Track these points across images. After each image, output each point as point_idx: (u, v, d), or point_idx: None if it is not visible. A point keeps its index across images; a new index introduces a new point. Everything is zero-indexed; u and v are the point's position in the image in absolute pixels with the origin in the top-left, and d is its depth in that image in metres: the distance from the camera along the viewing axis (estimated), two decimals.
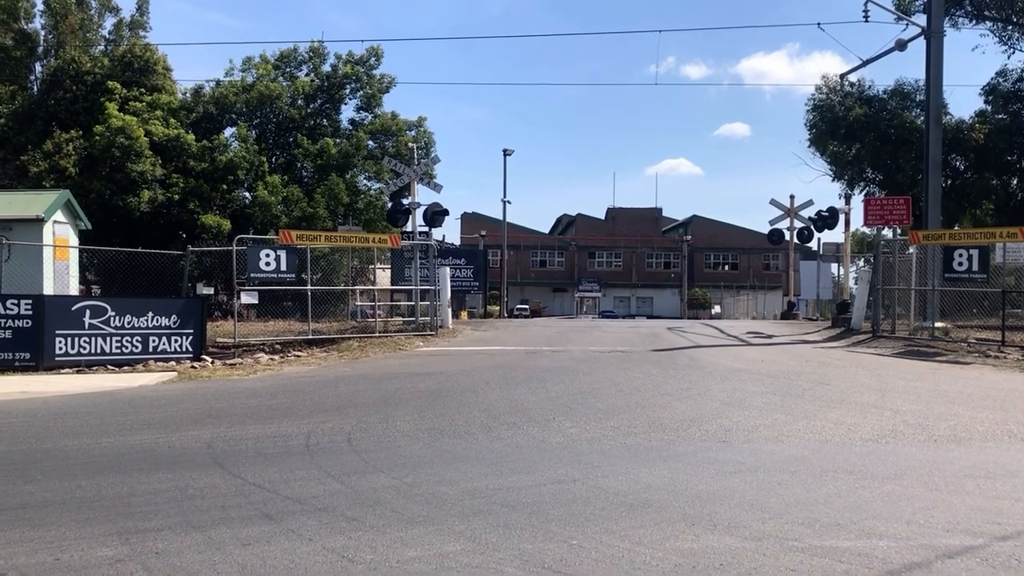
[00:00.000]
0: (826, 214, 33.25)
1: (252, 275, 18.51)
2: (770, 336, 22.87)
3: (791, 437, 8.42)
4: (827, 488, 6.26)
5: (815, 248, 36.76)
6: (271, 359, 17.05)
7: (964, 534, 5.05)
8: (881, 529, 5.14)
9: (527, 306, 71.13)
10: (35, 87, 41.85)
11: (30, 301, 15.21)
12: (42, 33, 42.70)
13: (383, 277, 27.98)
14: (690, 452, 7.69)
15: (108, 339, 15.78)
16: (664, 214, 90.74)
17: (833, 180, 40.04)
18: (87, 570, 4.49)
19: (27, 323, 14.93)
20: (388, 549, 4.79)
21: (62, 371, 14.80)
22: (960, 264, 18.62)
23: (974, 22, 36.44)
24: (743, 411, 9.94)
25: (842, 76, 36.87)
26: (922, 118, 30.07)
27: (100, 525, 5.34)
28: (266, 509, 5.71)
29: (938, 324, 20.09)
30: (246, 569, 4.48)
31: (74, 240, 23.39)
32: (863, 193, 37.89)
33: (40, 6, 42.09)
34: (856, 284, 26.23)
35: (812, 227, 34.41)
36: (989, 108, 36.87)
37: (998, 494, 6.09)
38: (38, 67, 42.73)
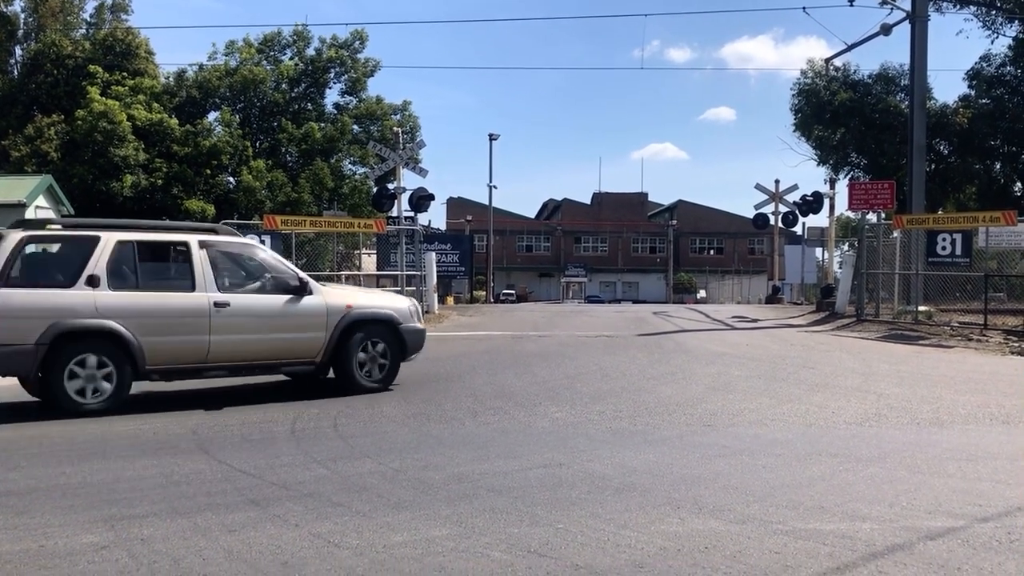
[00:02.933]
0: (811, 198, 33.35)
1: None
2: (755, 320, 22.97)
3: (775, 421, 8.46)
4: (811, 471, 6.31)
5: (800, 232, 36.90)
6: None
7: (946, 516, 5.10)
8: (864, 511, 5.18)
9: (513, 291, 71.06)
10: (15, 71, 41.44)
11: None
12: (22, 16, 42.23)
13: (369, 263, 27.92)
14: (675, 436, 7.72)
15: None
16: (650, 199, 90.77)
17: (818, 164, 40.23)
18: (72, 557, 4.47)
19: None
20: (374, 534, 4.79)
21: None
22: (943, 248, 18.73)
23: (958, 7, 36.53)
24: (728, 395, 9.99)
25: (827, 61, 36.93)
26: (907, 103, 30.17)
27: (85, 512, 5.33)
28: (252, 495, 5.70)
29: (921, 308, 20.22)
30: (232, 555, 4.48)
31: None
32: (848, 177, 38.08)
33: None
34: (840, 268, 26.32)
35: (797, 211, 34.52)
36: (973, 93, 37.04)
37: (979, 476, 6.14)
38: (18, 51, 42.29)
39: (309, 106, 42.92)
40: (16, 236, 8.94)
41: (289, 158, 41.65)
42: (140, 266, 9.39)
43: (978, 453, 6.92)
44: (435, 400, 9.75)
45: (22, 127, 35.52)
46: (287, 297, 10.04)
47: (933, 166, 35.59)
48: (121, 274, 9.22)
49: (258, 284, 10.18)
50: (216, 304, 9.54)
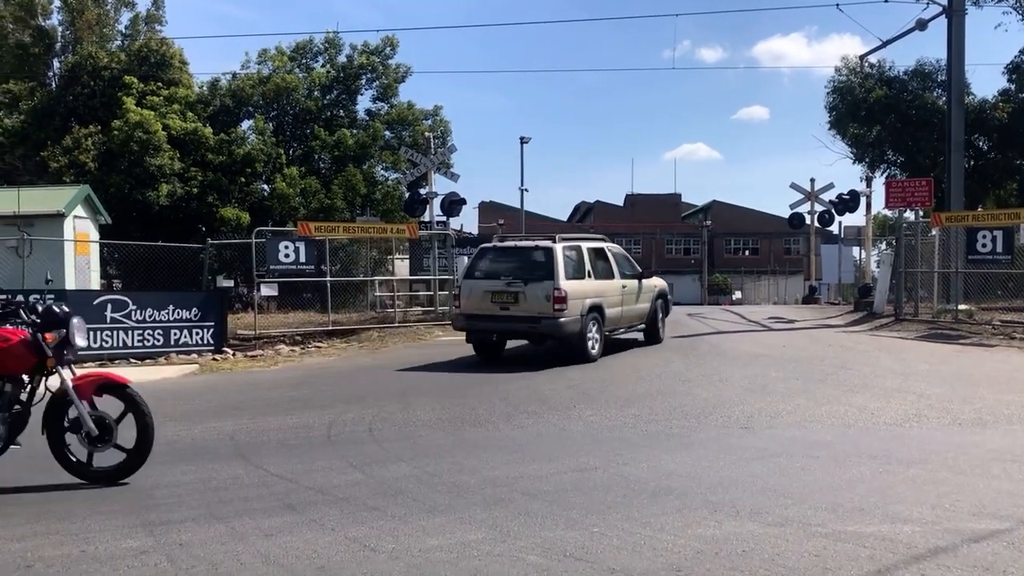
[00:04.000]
0: (847, 197, 32.95)
1: (272, 267, 18.58)
2: (792, 321, 22.74)
3: (814, 422, 8.37)
4: (850, 473, 6.22)
5: (836, 232, 36.46)
6: (292, 351, 17.13)
7: (990, 518, 5.00)
8: (905, 514, 5.09)
9: None
10: (53, 83, 42.09)
11: (53, 296, 15.34)
12: (59, 29, 42.88)
13: (402, 267, 28.03)
14: (712, 439, 7.66)
15: (130, 333, 15.89)
16: (683, 199, 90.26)
17: (854, 163, 39.69)
18: (112, 562, 4.52)
19: None
20: (410, 538, 4.79)
21: (85, 365, 14.92)
22: (984, 246, 18.41)
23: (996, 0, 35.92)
24: (765, 397, 9.89)
25: (862, 57, 36.54)
26: (944, 98, 29.75)
27: (124, 517, 5.38)
28: (288, 500, 5.73)
29: (962, 306, 19.90)
30: (269, 559, 4.50)
31: (94, 234, 23.57)
32: (884, 175, 37.53)
33: (57, 2, 42.28)
34: (878, 267, 26.01)
35: (833, 210, 34.11)
36: (1013, 87, 36.36)
37: None
38: (56, 63, 42.95)
39: (341, 113, 43.10)
40: (559, 247, 13.76)
41: (322, 165, 41.87)
42: (595, 264, 14.50)
43: (1023, 454, 6.78)
44: (468, 404, 9.76)
45: (60, 138, 36.05)
46: (636, 280, 15.82)
47: (972, 162, 35.02)
48: (594, 269, 14.35)
49: (626, 272, 15.49)
50: (623, 286, 15.07)
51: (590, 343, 13.67)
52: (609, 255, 15.23)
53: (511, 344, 15.18)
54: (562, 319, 13.28)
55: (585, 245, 14.63)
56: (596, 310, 13.86)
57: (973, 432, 7.79)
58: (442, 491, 5.86)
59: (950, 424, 8.17)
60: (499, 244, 15.35)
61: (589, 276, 14.10)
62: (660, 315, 16.63)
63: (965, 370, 12.05)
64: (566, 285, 13.33)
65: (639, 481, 6.04)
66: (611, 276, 14.79)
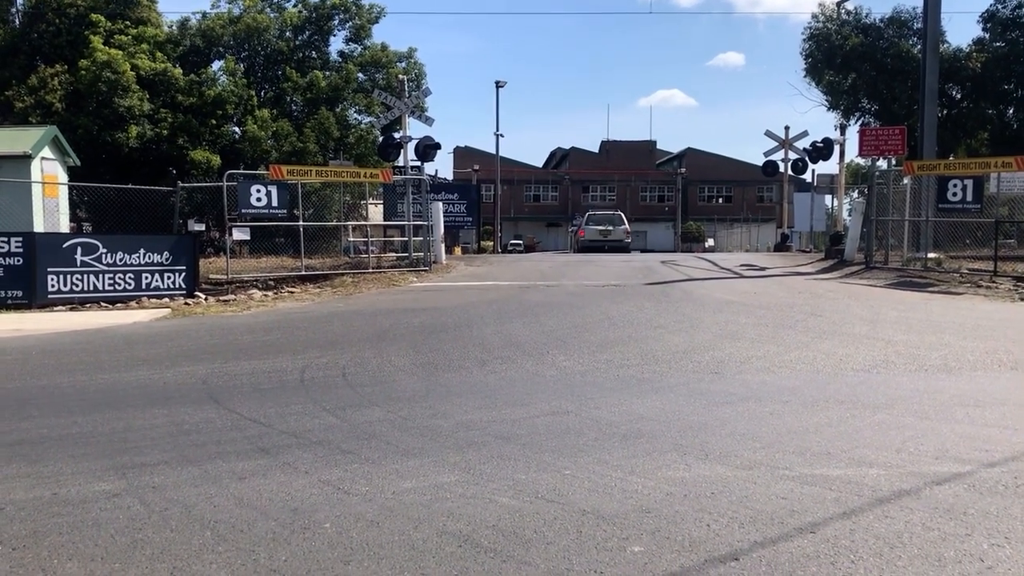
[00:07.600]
0: (821, 145, 33.02)
1: (243, 211, 18.39)
2: (763, 268, 22.90)
3: (783, 368, 8.47)
4: (818, 418, 6.32)
5: (809, 180, 36.61)
6: (265, 295, 17.04)
7: (953, 461, 5.11)
8: (871, 457, 5.19)
9: (521, 241, 70.89)
10: (17, 20, 40.99)
11: (21, 238, 15.12)
12: None
13: (375, 212, 27.86)
14: (682, 383, 7.74)
15: (100, 276, 15.73)
16: (658, 147, 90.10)
17: (828, 110, 39.87)
18: (85, 504, 4.52)
19: (19, 261, 14.86)
20: (383, 481, 4.83)
21: (55, 308, 14.78)
22: (954, 195, 18.57)
23: None
24: (735, 343, 9.98)
25: (839, 4, 36.41)
26: (919, 47, 29.72)
27: (97, 460, 5.38)
28: (262, 443, 5.74)
29: (931, 255, 20.14)
30: (242, 502, 4.52)
31: (63, 177, 23.21)
32: (858, 123, 37.70)
33: None
34: (850, 215, 26.21)
35: (806, 158, 34.18)
36: (987, 36, 36.44)
37: (987, 422, 6.15)
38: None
39: (313, 54, 42.47)
40: (621, 213, 39.33)
41: (294, 107, 41.34)
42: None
43: (986, 399, 6.92)
44: (443, 349, 9.78)
45: (25, 78, 35.24)
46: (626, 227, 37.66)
47: (945, 111, 35.18)
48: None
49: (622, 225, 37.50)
50: (626, 232, 37.38)
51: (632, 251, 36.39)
52: (623, 217, 37.68)
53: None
54: (627, 240, 35.18)
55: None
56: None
57: (938, 378, 7.92)
58: (416, 435, 5.89)
59: (916, 370, 8.30)
60: (597, 212, 38.16)
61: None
62: None
63: (932, 317, 12.21)
64: (628, 228, 35.41)
65: (611, 425, 6.10)
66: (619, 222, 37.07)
